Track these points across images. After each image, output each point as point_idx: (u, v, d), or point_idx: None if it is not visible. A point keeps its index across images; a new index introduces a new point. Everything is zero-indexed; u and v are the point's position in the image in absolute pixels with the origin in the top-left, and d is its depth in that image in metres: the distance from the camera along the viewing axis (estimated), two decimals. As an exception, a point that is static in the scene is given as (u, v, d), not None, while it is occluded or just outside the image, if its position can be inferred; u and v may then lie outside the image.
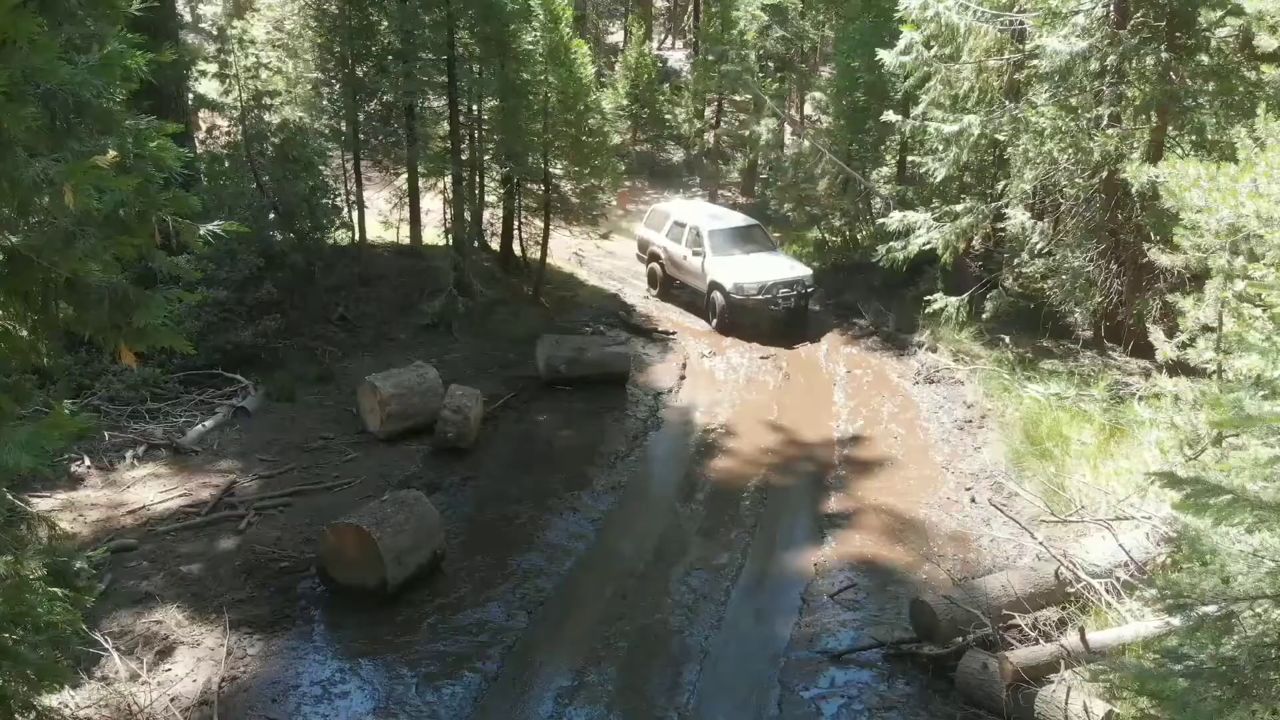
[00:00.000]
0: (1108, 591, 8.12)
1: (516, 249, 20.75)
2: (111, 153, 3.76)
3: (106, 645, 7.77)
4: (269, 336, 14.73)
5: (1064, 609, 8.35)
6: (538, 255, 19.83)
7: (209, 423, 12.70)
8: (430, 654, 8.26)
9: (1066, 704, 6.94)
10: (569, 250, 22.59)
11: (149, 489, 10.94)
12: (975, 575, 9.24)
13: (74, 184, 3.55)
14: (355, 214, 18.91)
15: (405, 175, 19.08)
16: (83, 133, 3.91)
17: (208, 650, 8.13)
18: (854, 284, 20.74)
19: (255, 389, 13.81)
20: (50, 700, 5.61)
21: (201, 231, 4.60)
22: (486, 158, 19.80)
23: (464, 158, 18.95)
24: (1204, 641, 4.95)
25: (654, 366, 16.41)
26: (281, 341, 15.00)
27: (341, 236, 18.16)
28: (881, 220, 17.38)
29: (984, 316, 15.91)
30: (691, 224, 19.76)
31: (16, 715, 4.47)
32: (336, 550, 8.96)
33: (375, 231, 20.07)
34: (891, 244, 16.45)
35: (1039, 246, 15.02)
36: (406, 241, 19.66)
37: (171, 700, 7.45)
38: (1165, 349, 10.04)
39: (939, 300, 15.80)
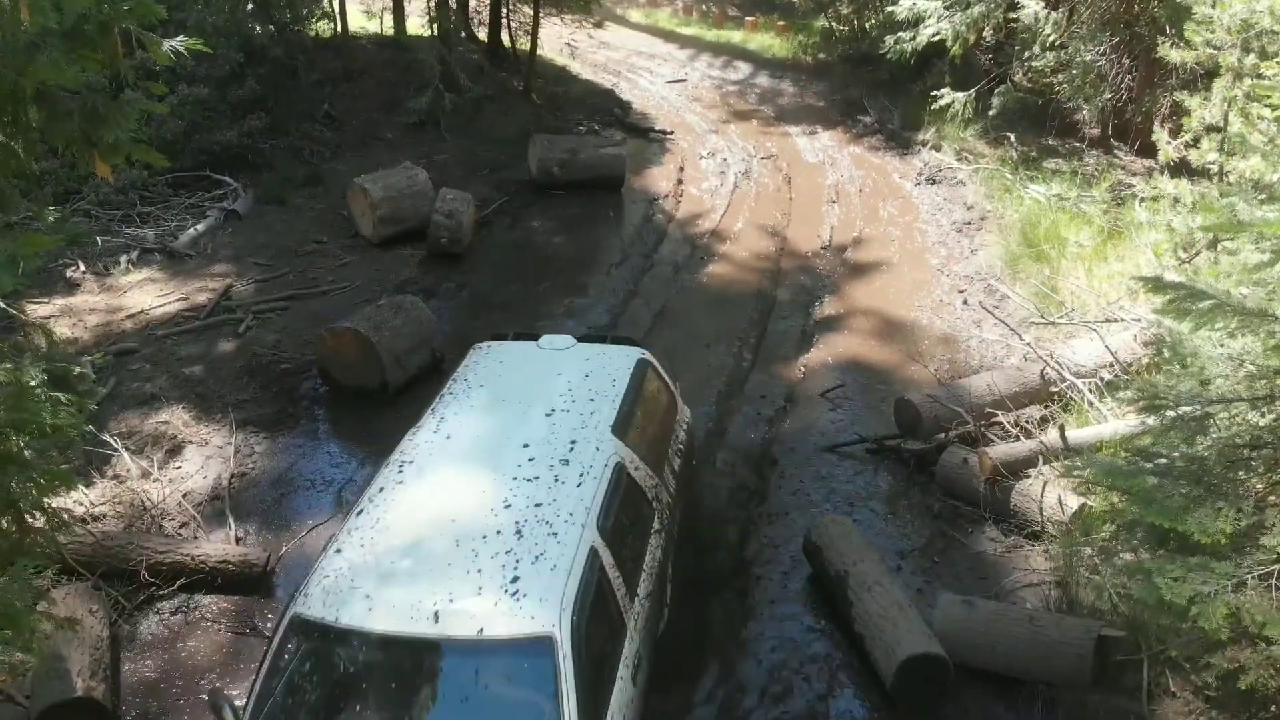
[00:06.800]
0: (1091, 391, 8.31)
1: (505, 39, 19.87)
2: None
3: (116, 445, 8.03)
4: (254, 136, 14.42)
5: (1047, 408, 8.57)
6: (527, 46, 19.00)
7: (200, 226, 12.61)
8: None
9: (1042, 497, 7.25)
10: (560, 41, 21.64)
11: (145, 293, 11.00)
12: (961, 375, 9.43)
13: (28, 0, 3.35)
14: (336, 3, 18.01)
15: (387, -41, 18.05)
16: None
17: (215, 448, 8.41)
18: (860, 78, 20.04)
19: (245, 192, 13.62)
20: (59, 501, 5.86)
21: (165, 47, 4.45)
22: (472, -61, 18.64)
23: (448, -60, 17.83)
24: (1176, 441, 5.10)
25: (650, 169, 16.07)
26: (267, 141, 14.69)
27: (323, 28, 17.41)
28: (890, 8, 16.53)
29: (990, 113, 15.45)
30: None
31: (28, 516, 4.70)
32: (336, 353, 9.11)
33: (357, 22, 19.24)
34: (900, 34, 15.77)
35: (1051, 39, 14.38)
36: (390, 32, 18.88)
37: (184, 496, 7.78)
38: (1169, 149, 9.83)
39: (946, 96, 15.29)
